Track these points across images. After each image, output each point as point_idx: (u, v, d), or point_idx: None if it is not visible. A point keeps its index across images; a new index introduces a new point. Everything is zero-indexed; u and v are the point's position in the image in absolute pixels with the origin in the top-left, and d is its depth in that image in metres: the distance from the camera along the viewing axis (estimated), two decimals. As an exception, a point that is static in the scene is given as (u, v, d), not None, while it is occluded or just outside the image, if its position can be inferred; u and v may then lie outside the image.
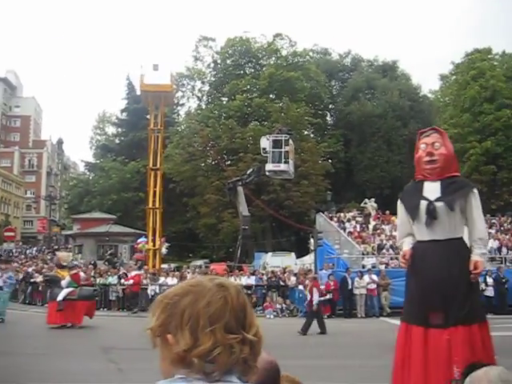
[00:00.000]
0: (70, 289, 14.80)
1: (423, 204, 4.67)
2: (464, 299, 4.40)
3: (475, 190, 4.66)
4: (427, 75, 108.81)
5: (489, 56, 45.41)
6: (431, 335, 4.44)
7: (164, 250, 29.50)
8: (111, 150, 52.68)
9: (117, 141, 54.60)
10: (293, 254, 30.01)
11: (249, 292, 20.63)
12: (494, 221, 28.15)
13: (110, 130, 60.93)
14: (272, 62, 47.00)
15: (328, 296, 15.10)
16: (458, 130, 40.41)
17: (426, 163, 4.75)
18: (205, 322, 1.20)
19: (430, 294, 4.55)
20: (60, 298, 14.40)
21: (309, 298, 14.88)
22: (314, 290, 14.62)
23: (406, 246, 4.89)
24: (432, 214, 4.57)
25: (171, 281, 20.28)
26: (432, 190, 4.69)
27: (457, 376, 4.15)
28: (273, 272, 21.51)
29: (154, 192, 29.43)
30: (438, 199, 4.61)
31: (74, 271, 15.82)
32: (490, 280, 18.48)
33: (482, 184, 38.99)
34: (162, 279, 21.22)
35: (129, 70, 79.36)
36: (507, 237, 24.30)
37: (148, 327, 1.27)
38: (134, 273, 21.34)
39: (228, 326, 1.21)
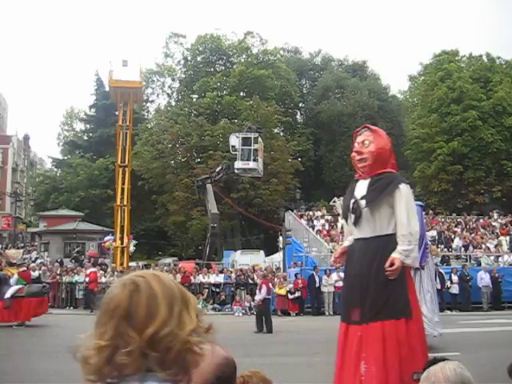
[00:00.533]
0: (18, 286, 14.56)
1: (351, 203, 4.68)
2: (378, 296, 4.34)
3: (401, 186, 4.58)
4: (396, 76, 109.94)
5: (456, 58, 46.12)
6: (350, 332, 4.46)
7: (131, 248, 29.22)
8: (79, 147, 51.94)
9: (85, 137, 53.82)
10: (262, 252, 30.03)
11: (217, 290, 20.62)
12: (459, 220, 28.63)
13: (78, 126, 60.08)
14: (243, 60, 46.94)
15: (268, 296, 15.03)
16: (426, 130, 40.98)
17: (357, 162, 4.76)
18: (111, 317, 1.28)
19: (351, 291, 4.60)
20: (7, 295, 14.17)
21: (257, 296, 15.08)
22: (263, 287, 14.75)
23: (344, 245, 4.91)
24: (355, 212, 4.58)
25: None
26: (361, 188, 4.70)
27: (363, 372, 4.20)
28: (241, 270, 21.51)
29: (122, 189, 29.16)
30: (362, 197, 4.60)
31: (23, 268, 15.64)
32: (455, 278, 18.76)
33: (448, 183, 39.71)
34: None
35: (98, 66, 78.51)
36: (472, 235, 24.71)
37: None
38: (88, 270, 21.08)
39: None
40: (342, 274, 18.47)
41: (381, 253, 4.43)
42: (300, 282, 18.50)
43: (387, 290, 4.36)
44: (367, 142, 4.69)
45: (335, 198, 30.03)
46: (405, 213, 4.48)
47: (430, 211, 29.75)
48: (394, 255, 4.34)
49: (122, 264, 26.25)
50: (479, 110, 39.92)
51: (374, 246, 4.51)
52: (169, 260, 34.43)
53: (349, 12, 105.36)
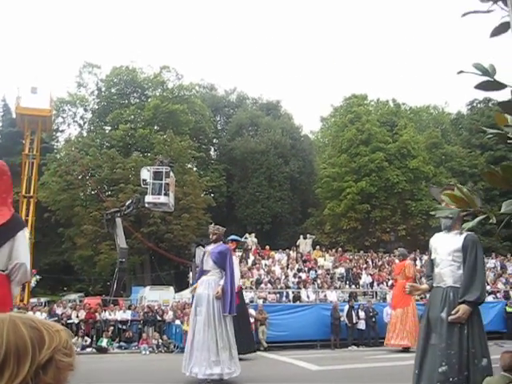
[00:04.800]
0: None
1: None
2: None
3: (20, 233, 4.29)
4: (308, 116, 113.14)
5: (365, 102, 48.25)
6: None
7: (32, 283, 27.86)
8: (-19, 175, 49.45)
9: (-12, 166, 51.38)
10: (171, 287, 29.49)
11: (124, 327, 19.92)
12: (367, 258, 29.40)
13: (-19, 153, 57.30)
14: (158, 94, 46.76)
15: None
16: (336, 170, 42.22)
17: None
18: None
19: None
20: None
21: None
22: None
23: None
24: None
25: (40, 316, 19.10)
26: None
27: None
28: (149, 306, 20.94)
29: (26, 221, 27.90)
30: None
31: None
32: (362, 313, 19.10)
33: (357, 222, 40.92)
34: (29, 314, 19.90)
35: (4, 91, 75.68)
36: (377, 272, 25.42)
37: None
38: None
39: None
40: (251, 311, 18.44)
41: None
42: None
43: None
44: None
45: (247, 235, 30.14)
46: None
47: (340, 248, 30.42)
48: None
49: (22, 300, 24.93)
50: (386, 152, 41.70)
51: None
52: (74, 296, 33.13)
53: (264, 53, 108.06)
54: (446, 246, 5.48)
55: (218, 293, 9.34)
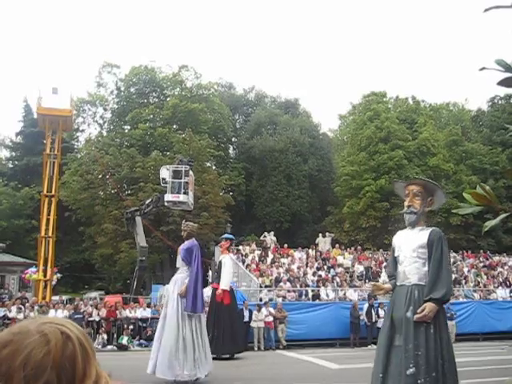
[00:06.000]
0: None
1: None
2: None
3: None
4: (327, 114, 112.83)
5: (384, 99, 47.94)
6: None
7: (54, 281, 28.17)
8: (3, 175, 50.03)
9: (10, 165, 52.03)
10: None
11: (144, 325, 20.07)
12: (386, 256, 29.23)
13: (3, 153, 57.97)
14: (176, 93, 46.97)
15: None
16: (355, 168, 42.04)
17: None
18: (18, 381, 1.01)
19: None
20: None
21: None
22: None
23: None
24: None
25: (62, 313, 19.32)
26: None
27: None
28: (169, 304, 21.07)
29: (48, 220, 28.23)
30: None
31: None
32: (381, 312, 19.01)
33: (376, 220, 40.69)
34: (51, 312, 20.13)
35: (26, 92, 76.44)
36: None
37: None
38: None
39: None
40: (271, 309, 18.46)
41: None
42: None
43: None
44: None
45: (265, 233, 30.15)
46: None
47: (359, 247, 30.29)
48: None
49: (44, 298, 25.21)
50: (405, 150, 41.43)
51: None
52: (95, 294, 33.39)
53: (283, 51, 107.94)
54: (410, 242, 5.26)
55: (181, 291, 9.24)
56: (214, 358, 13.44)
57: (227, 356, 13.66)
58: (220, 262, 14.19)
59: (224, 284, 13.86)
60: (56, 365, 1.04)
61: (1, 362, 1.03)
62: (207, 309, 13.51)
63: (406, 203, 5.41)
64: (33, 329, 1.09)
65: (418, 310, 4.85)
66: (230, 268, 14.03)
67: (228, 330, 13.71)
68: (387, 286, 5.68)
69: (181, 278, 9.51)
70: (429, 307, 4.81)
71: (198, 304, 9.22)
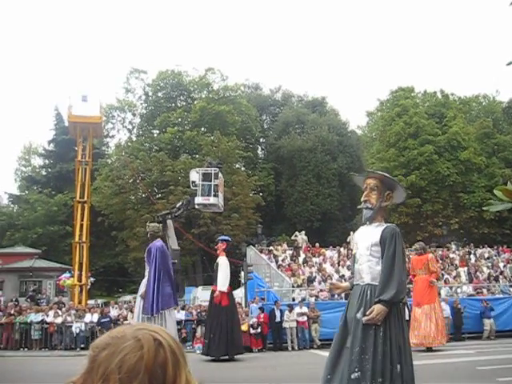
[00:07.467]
0: None
1: None
2: None
3: None
4: (355, 111, 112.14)
5: (412, 94, 47.48)
6: None
7: (88, 285, 28.61)
8: (37, 182, 51.03)
9: (43, 172, 52.98)
10: (223, 287, 29.66)
11: (179, 327, 20.22)
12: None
13: (37, 161, 59.13)
14: (203, 96, 47.21)
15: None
16: (385, 164, 41.72)
17: None
18: (114, 382, 1.07)
19: None
20: None
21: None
22: None
23: None
24: None
25: (96, 318, 19.66)
26: None
27: None
28: (202, 306, 21.19)
29: (81, 225, 28.67)
30: None
31: None
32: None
33: (407, 216, 40.32)
34: (87, 316, 20.44)
35: (57, 101, 77.73)
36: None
37: (70, 380, 1.13)
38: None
39: None
40: (304, 309, 18.45)
41: None
42: (262, 317, 18.31)
43: None
44: None
45: (296, 233, 30.12)
46: None
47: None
48: None
49: (80, 302, 25.63)
50: (435, 145, 40.96)
51: None
52: (129, 297, 33.73)
53: (308, 50, 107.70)
54: (364, 239, 5.02)
55: (142, 293, 9.21)
56: (212, 360, 13.55)
57: (226, 357, 13.74)
58: (216, 264, 14.27)
59: (220, 285, 13.94)
60: (148, 370, 1.09)
61: (100, 363, 1.10)
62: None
63: (362, 198, 5.19)
64: (128, 334, 1.15)
65: (367, 312, 4.63)
66: (225, 269, 14.08)
67: (226, 332, 13.74)
68: (345, 284, 5.56)
69: (145, 280, 9.57)
70: (377, 309, 4.58)
71: (159, 303, 9.10)
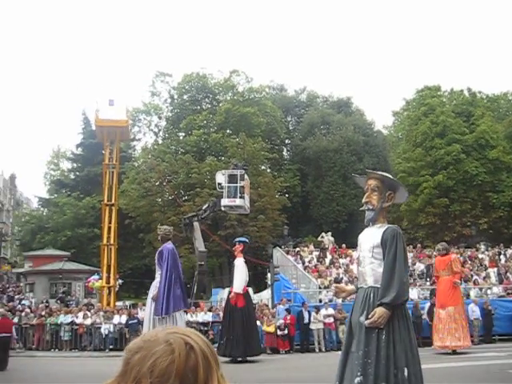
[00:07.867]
0: None
1: None
2: None
3: None
4: (380, 111, 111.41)
5: (438, 93, 46.98)
6: None
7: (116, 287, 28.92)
8: (66, 186, 51.72)
9: (72, 176, 53.69)
10: (250, 289, 29.74)
11: (206, 329, 20.32)
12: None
13: (65, 165, 59.93)
14: (228, 98, 47.38)
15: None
16: (411, 164, 41.34)
17: None
18: None
19: None
20: None
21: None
22: None
23: None
24: None
25: (124, 319, 19.89)
26: None
27: None
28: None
29: (109, 228, 28.99)
30: None
31: None
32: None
33: (435, 216, 39.87)
34: (116, 317, 20.68)
35: (84, 105, 78.78)
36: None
37: (105, 382, 1.16)
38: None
39: None
40: (331, 310, 18.39)
41: None
42: (289, 318, 18.31)
43: None
44: None
45: (323, 234, 30.05)
46: None
47: (418, 245, 29.77)
48: None
49: (108, 304, 25.93)
50: (463, 144, 40.42)
51: None
52: (156, 299, 33.98)
53: (333, 50, 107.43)
54: (367, 241, 4.99)
55: (154, 295, 9.24)
56: (228, 361, 13.57)
57: (240, 359, 13.74)
58: (233, 266, 14.32)
59: (236, 287, 13.97)
60: (179, 374, 1.11)
61: (133, 366, 1.12)
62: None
63: (363, 199, 5.19)
64: (160, 337, 1.17)
65: (369, 315, 4.57)
66: (242, 271, 14.10)
67: (242, 333, 13.73)
68: (350, 287, 5.51)
69: (157, 281, 9.62)
70: (379, 312, 4.51)
71: (170, 305, 9.18)
